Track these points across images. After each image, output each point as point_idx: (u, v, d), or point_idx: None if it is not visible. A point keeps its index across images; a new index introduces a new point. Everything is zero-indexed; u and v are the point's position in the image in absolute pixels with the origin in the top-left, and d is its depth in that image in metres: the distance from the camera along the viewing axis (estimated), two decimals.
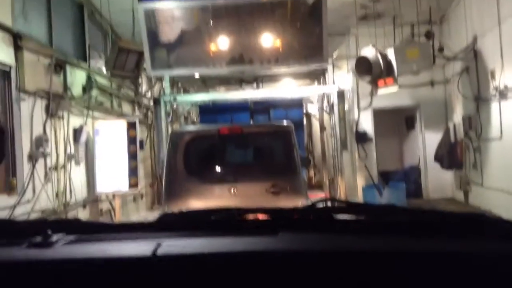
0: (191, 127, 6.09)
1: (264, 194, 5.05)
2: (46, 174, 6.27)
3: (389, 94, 8.46)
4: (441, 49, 8.57)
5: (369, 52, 7.60)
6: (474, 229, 1.11)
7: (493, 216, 1.30)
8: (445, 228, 1.13)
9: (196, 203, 5.05)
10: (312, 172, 14.11)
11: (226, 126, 5.98)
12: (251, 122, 10.29)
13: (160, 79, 10.15)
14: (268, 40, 7.62)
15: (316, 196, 9.86)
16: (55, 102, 6.50)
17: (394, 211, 1.21)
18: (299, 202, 4.97)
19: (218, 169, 5.69)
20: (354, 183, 10.13)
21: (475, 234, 1.08)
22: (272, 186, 5.13)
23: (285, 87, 11.10)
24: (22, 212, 5.54)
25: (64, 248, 1.06)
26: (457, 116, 9.37)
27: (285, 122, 5.84)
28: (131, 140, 7.96)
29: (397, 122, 12.29)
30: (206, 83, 11.02)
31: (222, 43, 7.61)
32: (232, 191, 5.13)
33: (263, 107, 10.48)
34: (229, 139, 5.70)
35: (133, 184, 7.92)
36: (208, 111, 10.35)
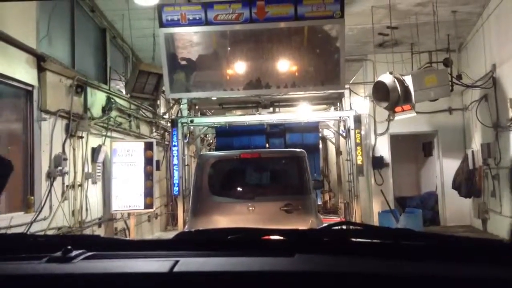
0: (216, 152, 6.77)
1: (278, 212, 5.52)
2: (63, 192, 6.34)
3: (407, 120, 8.43)
4: (459, 77, 8.55)
5: (386, 78, 7.60)
6: (491, 256, 1.10)
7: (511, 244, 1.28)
8: (462, 253, 1.12)
9: (218, 218, 5.57)
10: (327, 196, 13.99)
11: (246, 151, 6.61)
12: (267, 145, 10.29)
13: (178, 101, 10.29)
14: (286, 64, 7.68)
15: (331, 220, 9.76)
16: (75, 122, 6.62)
17: (410, 235, 1.20)
18: (310, 220, 5.55)
19: (238, 188, 6.26)
20: (369, 208, 10.02)
21: (491, 260, 1.07)
22: (286, 205, 5.60)
23: (302, 111, 11.14)
24: (38, 229, 5.59)
25: (83, 263, 1.08)
26: (476, 144, 9.26)
27: (298, 149, 6.45)
28: (148, 161, 8.03)
29: (415, 148, 12.20)
30: (223, 106, 11.12)
31: (239, 67, 7.70)
32: (250, 208, 5.60)
33: (279, 130, 10.50)
34: (249, 163, 6.31)
35: (148, 204, 7.96)
36: (224, 133, 10.39)
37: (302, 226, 5.23)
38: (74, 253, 1.10)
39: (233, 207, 5.74)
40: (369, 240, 1.24)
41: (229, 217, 5.55)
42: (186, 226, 6.15)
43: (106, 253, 1.14)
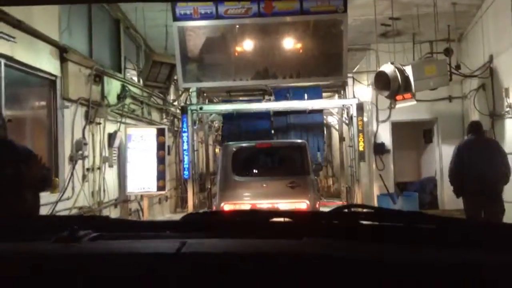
0: (238, 142, 7.81)
1: (285, 188, 6.56)
2: (84, 175, 6.35)
3: (408, 108, 8.28)
4: (458, 67, 8.36)
5: (387, 68, 7.47)
6: (501, 240, 1.01)
7: None
8: (471, 238, 1.03)
9: (239, 192, 6.73)
10: (330, 181, 13.88)
11: (261, 142, 7.69)
12: (272, 131, 10.15)
13: (187, 89, 10.16)
14: (292, 55, 7.63)
15: (334, 203, 9.67)
16: (94, 109, 6.61)
17: (421, 218, 1.12)
18: (309, 195, 6.56)
19: (254, 170, 7.37)
20: (370, 192, 9.92)
21: (501, 244, 0.98)
22: (290, 183, 6.59)
23: (306, 99, 10.93)
24: (62, 208, 5.63)
25: (89, 243, 1.02)
26: None
27: (300, 140, 7.77)
28: (160, 146, 8.02)
29: (415, 135, 12.01)
30: (230, 94, 10.95)
31: (248, 57, 7.66)
32: (264, 185, 6.75)
33: (284, 117, 10.32)
34: (263, 151, 7.56)
35: (160, 186, 7.96)
36: (231, 119, 10.26)
37: (303, 199, 6.45)
38: (81, 233, 1.03)
39: (250, 184, 6.92)
40: (378, 223, 1.16)
41: (248, 191, 6.72)
42: (215, 201, 6.95)
43: (113, 234, 1.08)
